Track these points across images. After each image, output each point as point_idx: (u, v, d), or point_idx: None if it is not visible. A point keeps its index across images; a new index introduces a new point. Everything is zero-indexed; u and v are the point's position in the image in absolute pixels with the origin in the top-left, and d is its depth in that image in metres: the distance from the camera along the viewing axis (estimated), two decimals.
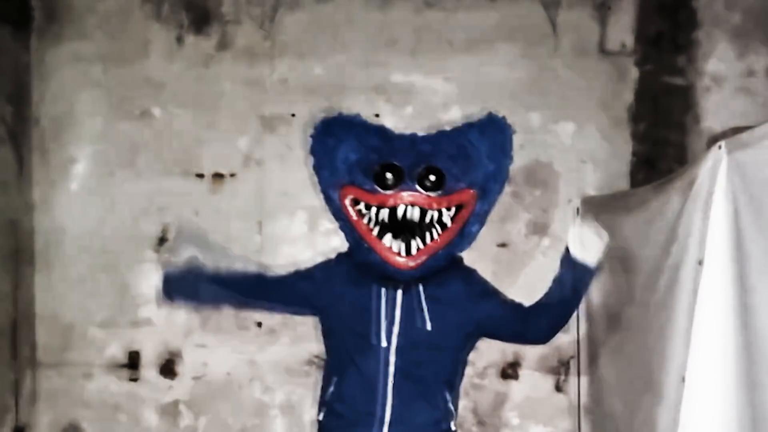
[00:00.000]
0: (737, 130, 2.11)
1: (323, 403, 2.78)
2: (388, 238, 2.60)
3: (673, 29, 3.76)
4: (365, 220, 2.65)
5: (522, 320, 2.82)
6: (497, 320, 2.79)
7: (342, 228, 2.77)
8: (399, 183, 2.59)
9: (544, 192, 3.81)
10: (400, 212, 2.58)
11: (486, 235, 3.75)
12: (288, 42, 3.87)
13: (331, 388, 2.74)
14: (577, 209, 3.68)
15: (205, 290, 2.90)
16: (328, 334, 2.85)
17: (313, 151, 2.79)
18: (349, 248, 2.81)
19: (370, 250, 2.65)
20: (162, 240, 3.88)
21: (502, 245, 3.82)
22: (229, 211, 3.87)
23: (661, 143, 3.72)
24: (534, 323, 2.82)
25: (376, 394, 2.64)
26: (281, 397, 3.88)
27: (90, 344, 3.92)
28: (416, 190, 2.58)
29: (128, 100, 3.88)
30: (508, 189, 3.77)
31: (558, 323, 2.86)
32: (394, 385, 2.63)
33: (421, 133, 2.79)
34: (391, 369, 2.63)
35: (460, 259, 2.86)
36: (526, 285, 3.74)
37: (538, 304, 2.85)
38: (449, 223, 2.65)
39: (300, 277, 2.88)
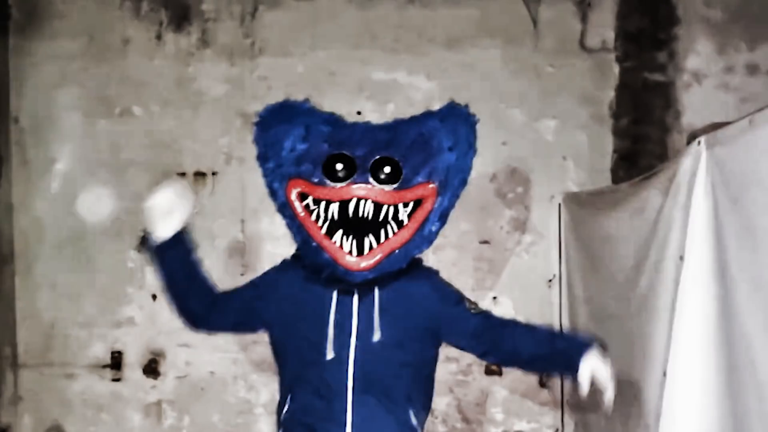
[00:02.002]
0: (717, 126, 2.13)
1: (279, 424, 2.52)
2: (338, 235, 2.37)
3: (653, 26, 3.77)
4: (313, 217, 2.41)
5: (485, 337, 2.51)
6: (459, 330, 2.51)
7: (289, 225, 2.54)
8: (351, 175, 2.36)
9: (526, 189, 3.81)
10: (351, 207, 2.36)
11: (468, 232, 3.78)
12: (269, 39, 3.86)
13: (286, 407, 2.47)
14: (559, 205, 3.69)
15: (183, 269, 2.56)
16: (278, 348, 2.57)
17: (257, 140, 2.55)
18: (297, 249, 2.58)
19: (318, 250, 2.41)
20: (144, 240, 3.86)
21: (485, 242, 3.82)
22: (212, 210, 3.85)
23: (642, 139, 3.74)
24: (497, 346, 2.51)
25: (334, 411, 2.37)
26: (265, 395, 3.87)
27: (72, 345, 3.90)
28: (370, 183, 2.36)
29: (108, 99, 3.86)
30: (490, 186, 3.80)
31: (520, 365, 2.62)
32: (353, 401, 2.36)
33: (376, 122, 2.59)
34: (350, 383, 2.36)
35: (420, 261, 2.60)
36: (510, 281, 3.77)
37: (515, 336, 2.49)
38: (406, 221, 2.41)
39: (244, 288, 2.61)
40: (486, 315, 2.55)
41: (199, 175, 3.84)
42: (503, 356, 2.56)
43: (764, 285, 1.82)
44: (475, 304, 2.56)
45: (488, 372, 3.85)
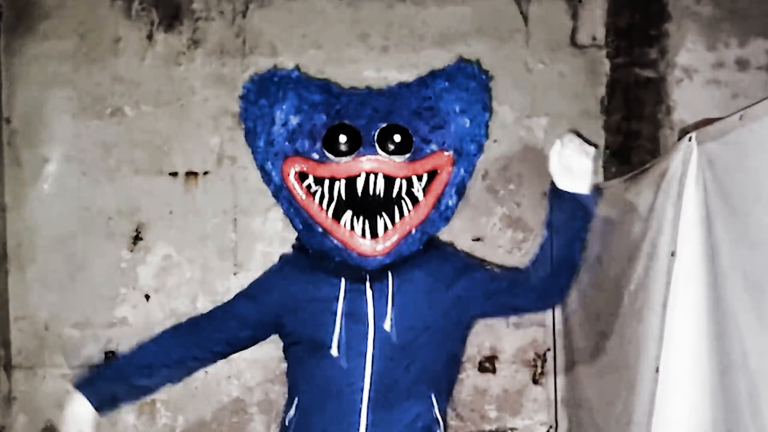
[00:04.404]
0: (708, 122, 2.13)
1: (283, 428, 2.35)
2: (347, 217, 2.15)
3: (643, 22, 3.78)
4: (316, 199, 2.19)
5: (519, 290, 2.38)
6: (488, 299, 2.35)
7: (287, 212, 2.32)
8: (355, 148, 2.14)
9: (518, 186, 3.81)
10: (360, 183, 2.14)
11: (461, 230, 3.78)
12: (260, 38, 3.85)
13: (292, 409, 2.30)
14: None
15: (138, 379, 2.38)
16: (286, 348, 2.39)
17: (245, 117, 2.33)
18: (298, 238, 2.37)
19: (324, 236, 2.19)
20: (136, 239, 3.85)
21: (477, 239, 3.82)
22: (204, 210, 3.85)
23: (634, 136, 3.75)
24: (533, 289, 2.37)
25: (344, 412, 2.19)
26: (259, 395, 3.87)
27: (66, 345, 3.89)
28: (378, 155, 2.14)
29: (99, 99, 3.84)
30: (482, 183, 3.80)
31: (563, 280, 2.39)
32: (369, 399, 2.18)
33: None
34: (366, 380, 2.17)
35: (436, 238, 2.44)
36: None
37: (534, 265, 2.39)
38: (422, 196, 2.21)
39: (239, 299, 2.43)
40: (510, 272, 2.46)
41: (191, 174, 3.84)
42: (550, 291, 2.38)
43: (756, 279, 1.82)
44: (495, 266, 2.44)
45: (482, 369, 3.85)
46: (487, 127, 2.35)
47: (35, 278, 3.88)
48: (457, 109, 2.27)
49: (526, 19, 3.81)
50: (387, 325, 2.18)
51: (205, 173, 3.85)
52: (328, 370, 2.21)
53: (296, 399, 2.30)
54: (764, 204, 1.75)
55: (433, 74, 2.37)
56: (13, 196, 3.88)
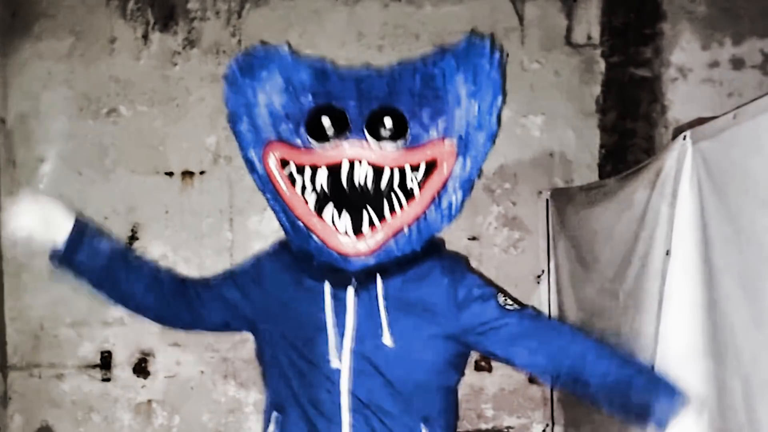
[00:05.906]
0: (702, 121, 2.14)
1: None
2: (328, 211, 1.90)
3: (638, 21, 3.78)
4: (297, 189, 1.94)
5: (528, 344, 2.03)
6: (490, 335, 2.02)
7: (271, 205, 2.07)
8: (342, 133, 1.88)
9: (514, 185, 3.82)
10: (344, 173, 1.89)
11: (456, 229, 3.78)
12: (255, 38, 3.84)
13: (270, 428, 2.07)
14: (547, 201, 3.70)
15: (112, 267, 2.22)
16: (263, 356, 2.12)
17: (229, 100, 2.05)
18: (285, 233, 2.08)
19: (306, 233, 1.95)
20: (132, 239, 3.85)
21: (473, 238, 3.83)
22: (200, 209, 3.84)
23: (629, 134, 3.75)
24: (550, 358, 2.03)
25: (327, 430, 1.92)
26: (255, 394, 3.86)
27: (61, 345, 3.88)
28: (366, 141, 1.89)
29: (95, 99, 3.84)
30: (478, 182, 3.79)
31: (573, 386, 2.08)
32: (352, 423, 1.92)
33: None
34: (346, 400, 1.92)
35: (441, 244, 2.15)
36: (498, 278, 3.77)
37: (576, 348, 2.03)
38: (417, 190, 1.93)
39: (226, 278, 2.17)
40: (529, 314, 2.08)
41: (187, 174, 3.83)
42: (558, 373, 2.04)
43: (750, 278, 1.83)
44: (515, 300, 2.10)
45: (478, 368, 3.85)
46: (499, 113, 2.05)
47: (31, 278, 3.87)
48: (465, 91, 1.96)
49: (521, 18, 3.82)
50: (386, 341, 1.92)
51: (201, 173, 3.85)
52: (307, 388, 1.98)
53: (274, 415, 2.08)
54: (759, 202, 1.76)
55: (440, 52, 2.03)
56: (8, 196, 3.87)
